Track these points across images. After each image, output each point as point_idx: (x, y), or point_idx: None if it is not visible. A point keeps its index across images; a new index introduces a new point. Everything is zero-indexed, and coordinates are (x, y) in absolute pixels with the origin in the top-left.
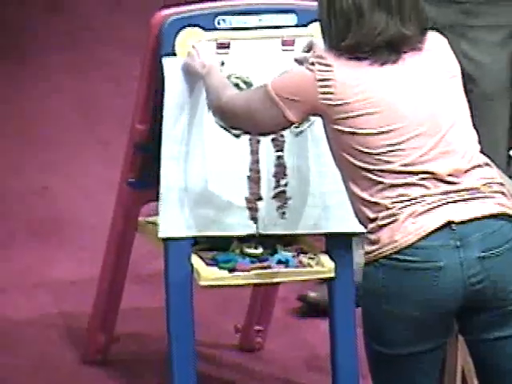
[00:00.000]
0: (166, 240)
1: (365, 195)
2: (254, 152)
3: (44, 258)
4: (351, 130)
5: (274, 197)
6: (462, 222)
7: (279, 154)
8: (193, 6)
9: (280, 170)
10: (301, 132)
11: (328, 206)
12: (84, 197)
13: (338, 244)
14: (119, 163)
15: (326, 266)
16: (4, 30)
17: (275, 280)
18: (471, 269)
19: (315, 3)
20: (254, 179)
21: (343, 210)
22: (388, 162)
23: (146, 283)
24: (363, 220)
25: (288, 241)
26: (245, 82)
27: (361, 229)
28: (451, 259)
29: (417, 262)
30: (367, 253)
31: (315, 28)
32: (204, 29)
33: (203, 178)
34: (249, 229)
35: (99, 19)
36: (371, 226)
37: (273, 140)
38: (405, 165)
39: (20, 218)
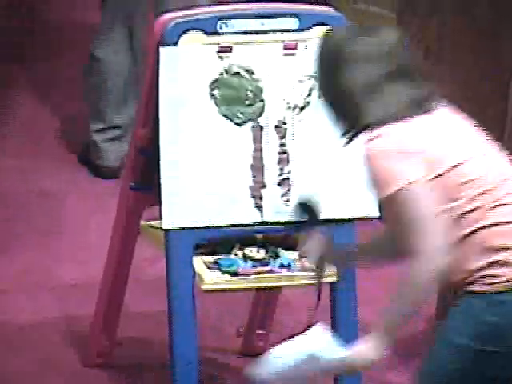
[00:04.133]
0: (167, 243)
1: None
2: (257, 140)
3: (46, 260)
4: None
5: (278, 184)
6: None
7: (282, 141)
8: (195, 10)
9: (284, 157)
10: (304, 118)
11: (331, 193)
12: (85, 198)
13: (340, 247)
14: None
15: (328, 269)
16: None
17: (277, 284)
18: None
19: (317, 7)
20: (258, 167)
21: (344, 197)
22: None
23: (148, 287)
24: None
25: (290, 244)
26: (246, 71)
27: (364, 213)
28: None
29: None
30: (496, 277)
31: (317, 32)
32: (206, 33)
33: (205, 167)
34: (254, 217)
35: None
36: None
37: (276, 127)
38: None
39: (22, 219)
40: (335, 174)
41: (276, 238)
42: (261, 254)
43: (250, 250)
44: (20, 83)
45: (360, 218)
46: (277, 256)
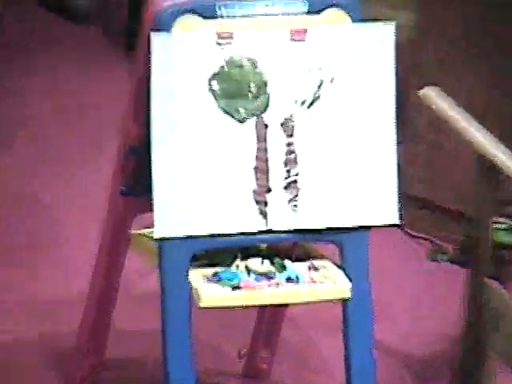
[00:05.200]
0: (161, 254)
1: None
2: (261, 139)
3: (27, 274)
4: None
5: (285, 188)
6: None
7: (289, 140)
8: None
9: (291, 158)
10: (313, 114)
11: (343, 198)
12: (72, 206)
13: (353, 258)
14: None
15: (341, 285)
16: None
17: (284, 301)
18: None
19: None
20: (262, 169)
21: (359, 202)
22: None
23: (139, 302)
24: None
25: (298, 255)
26: (249, 60)
27: (378, 222)
28: None
29: None
30: None
31: (328, 16)
32: (204, 17)
33: (203, 169)
34: (257, 225)
35: None
36: None
37: (282, 125)
38: None
39: (4, 231)
40: (348, 177)
41: (282, 248)
42: (265, 266)
43: (253, 262)
44: (22, 83)
45: (376, 226)
46: (283, 268)
